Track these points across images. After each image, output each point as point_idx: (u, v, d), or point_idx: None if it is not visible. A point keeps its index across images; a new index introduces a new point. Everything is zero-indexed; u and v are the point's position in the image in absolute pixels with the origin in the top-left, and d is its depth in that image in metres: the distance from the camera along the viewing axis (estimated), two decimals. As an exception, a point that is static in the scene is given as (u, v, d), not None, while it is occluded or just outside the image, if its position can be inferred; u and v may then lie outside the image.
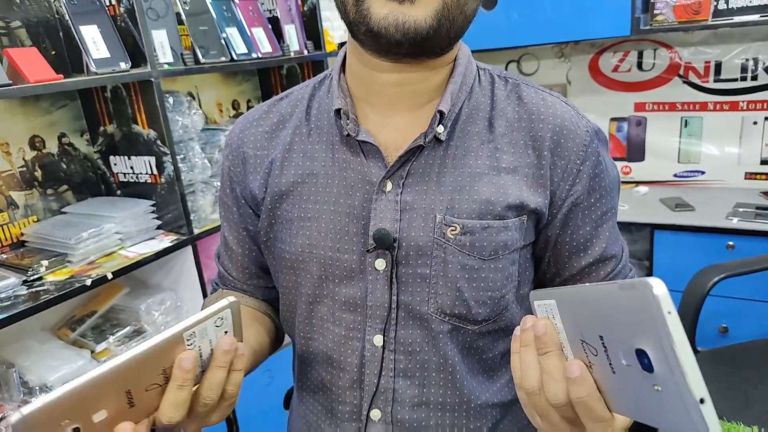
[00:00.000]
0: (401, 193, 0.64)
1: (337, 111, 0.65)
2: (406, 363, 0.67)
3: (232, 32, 1.59)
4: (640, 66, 2.48)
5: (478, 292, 0.64)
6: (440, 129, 0.63)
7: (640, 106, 2.54)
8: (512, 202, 0.63)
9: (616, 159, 2.65)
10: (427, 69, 0.64)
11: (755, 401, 1.44)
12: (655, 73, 2.45)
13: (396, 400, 0.68)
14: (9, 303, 1.10)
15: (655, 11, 2.06)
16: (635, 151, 2.61)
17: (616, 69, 2.53)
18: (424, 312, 0.65)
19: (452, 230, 0.63)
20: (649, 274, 2.26)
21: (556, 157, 0.64)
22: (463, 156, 0.64)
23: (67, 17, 1.22)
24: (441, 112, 0.62)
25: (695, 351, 1.73)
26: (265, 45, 1.67)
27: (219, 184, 1.56)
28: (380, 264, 0.65)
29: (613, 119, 2.62)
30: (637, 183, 2.59)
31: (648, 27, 2.11)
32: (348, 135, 0.65)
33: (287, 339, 0.81)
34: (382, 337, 0.67)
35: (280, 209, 0.70)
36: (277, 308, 0.81)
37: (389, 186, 0.64)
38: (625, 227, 2.49)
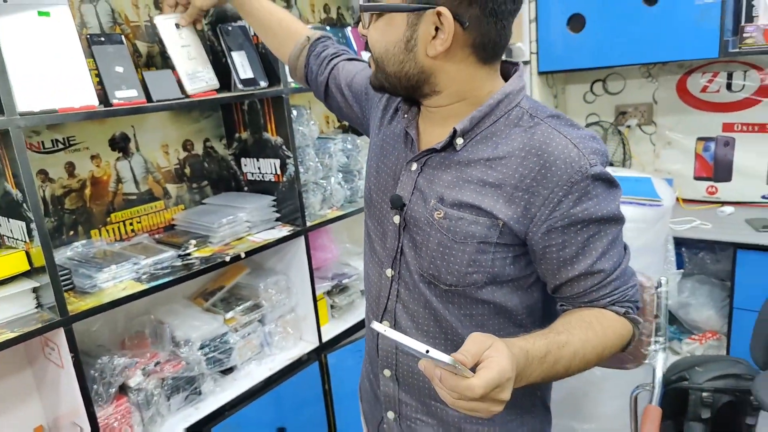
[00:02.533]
0: (419, 175, 0.89)
1: (397, 108, 0.98)
2: (404, 295, 0.94)
3: (344, 55, 1.84)
4: (729, 87, 2.51)
5: (448, 264, 0.86)
6: (459, 141, 0.85)
7: (728, 127, 2.56)
8: (484, 208, 0.82)
9: (701, 179, 2.67)
10: (432, 106, 0.88)
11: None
12: (744, 95, 2.47)
13: (397, 321, 0.95)
14: (169, 271, 1.38)
15: (745, 34, 2.11)
16: (722, 171, 2.62)
17: (704, 90, 2.57)
18: (412, 264, 0.91)
19: (438, 214, 0.86)
20: (730, 294, 2.27)
21: (540, 187, 0.80)
22: (465, 165, 0.85)
23: (221, 44, 1.51)
24: (455, 130, 0.84)
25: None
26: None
27: (327, 185, 1.81)
28: (396, 219, 0.92)
29: (700, 139, 2.64)
30: (723, 203, 2.60)
31: (737, 50, 2.15)
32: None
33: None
34: (391, 270, 0.95)
35: (371, 148, 1.03)
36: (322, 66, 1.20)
37: (414, 167, 0.90)
38: (708, 246, 2.51)
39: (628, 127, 2.78)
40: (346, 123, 2.25)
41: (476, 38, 0.79)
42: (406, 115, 0.93)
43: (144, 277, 1.35)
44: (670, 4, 2.23)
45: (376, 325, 0.68)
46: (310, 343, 1.79)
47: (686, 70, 2.60)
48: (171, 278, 1.35)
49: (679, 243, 2.45)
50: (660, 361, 1.71)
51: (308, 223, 1.70)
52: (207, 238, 1.55)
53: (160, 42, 1.39)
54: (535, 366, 0.73)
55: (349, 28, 1.93)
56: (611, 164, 2.77)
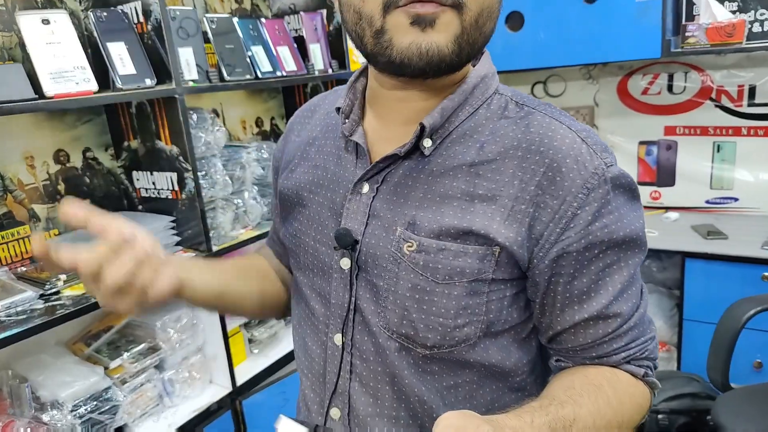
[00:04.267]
0: (374, 197, 0.64)
1: (338, 109, 0.68)
2: (361, 369, 0.66)
3: (257, 50, 1.60)
4: (670, 89, 2.42)
5: (428, 316, 0.61)
6: (427, 143, 0.62)
7: (670, 130, 2.48)
8: (476, 231, 0.59)
9: (645, 184, 2.58)
10: (432, 89, 0.63)
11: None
12: (686, 97, 2.39)
13: (352, 405, 0.67)
14: (25, 317, 1.09)
15: (687, 33, 2.02)
16: (665, 176, 2.54)
17: (645, 92, 2.48)
18: (373, 323, 0.64)
19: (409, 246, 0.61)
20: (680, 303, 2.18)
21: (547, 195, 0.59)
22: (440, 174, 0.62)
23: (95, 34, 1.23)
24: (422, 126, 0.60)
25: (729, 387, 1.63)
26: (289, 63, 1.67)
27: (239, 201, 1.56)
28: (345, 263, 0.66)
29: (642, 143, 2.56)
30: (667, 209, 2.52)
31: (679, 49, 2.06)
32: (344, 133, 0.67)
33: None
34: (341, 337, 0.67)
35: (284, 187, 0.75)
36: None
37: (366, 188, 0.65)
38: (655, 254, 2.41)
39: (570, 131, 2.66)
40: (267, 128, 2.00)
41: None
42: (347, 120, 0.67)
43: (-10, 327, 1.06)
44: (610, 1, 2.12)
45: None
46: (222, 388, 1.52)
47: (627, 72, 2.51)
48: (26, 327, 1.06)
49: (626, 252, 2.34)
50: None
51: (216, 247, 1.44)
52: (83, 271, 1.25)
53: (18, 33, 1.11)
54: None
55: (263, 20, 1.69)
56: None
